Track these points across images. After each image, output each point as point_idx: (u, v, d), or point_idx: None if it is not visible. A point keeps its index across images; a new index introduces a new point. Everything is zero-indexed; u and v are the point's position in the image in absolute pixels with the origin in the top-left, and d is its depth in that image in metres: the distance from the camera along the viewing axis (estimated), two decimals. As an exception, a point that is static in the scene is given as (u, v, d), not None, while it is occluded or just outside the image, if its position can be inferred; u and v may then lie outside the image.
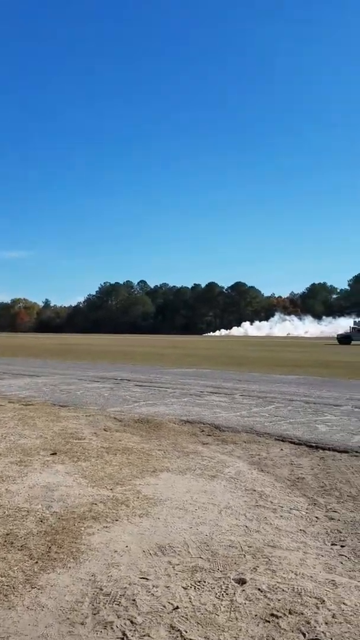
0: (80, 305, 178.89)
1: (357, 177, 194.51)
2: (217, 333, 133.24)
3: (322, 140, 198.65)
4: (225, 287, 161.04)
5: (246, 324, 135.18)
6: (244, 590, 3.06)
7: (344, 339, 57.91)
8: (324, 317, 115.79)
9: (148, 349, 38.81)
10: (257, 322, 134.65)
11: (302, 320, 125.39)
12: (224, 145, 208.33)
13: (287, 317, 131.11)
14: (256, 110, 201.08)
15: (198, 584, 3.12)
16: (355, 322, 67.10)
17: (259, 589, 3.06)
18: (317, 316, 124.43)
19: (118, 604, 2.89)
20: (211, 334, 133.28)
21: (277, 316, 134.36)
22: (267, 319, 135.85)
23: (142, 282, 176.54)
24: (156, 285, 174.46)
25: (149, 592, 3.03)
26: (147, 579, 3.19)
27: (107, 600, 2.93)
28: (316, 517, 4.28)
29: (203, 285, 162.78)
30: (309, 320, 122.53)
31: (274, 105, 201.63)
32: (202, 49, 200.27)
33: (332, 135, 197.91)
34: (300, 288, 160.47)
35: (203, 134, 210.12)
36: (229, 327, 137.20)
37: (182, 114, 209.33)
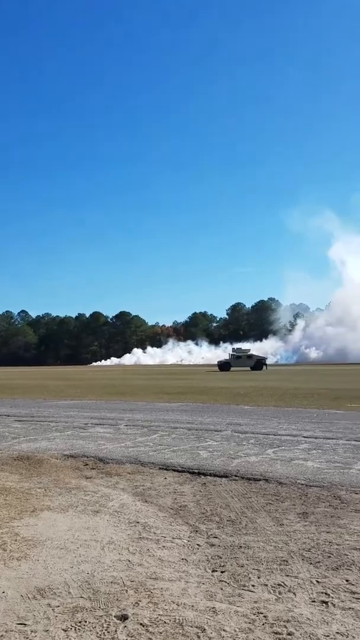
0: None
1: (231, 212, 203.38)
2: (107, 362, 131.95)
3: (205, 175, 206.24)
4: (110, 317, 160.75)
5: (138, 352, 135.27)
6: (125, 626, 3.02)
7: (224, 366, 59.83)
8: (221, 343, 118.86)
9: (30, 381, 37.54)
10: (149, 349, 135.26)
11: (199, 345, 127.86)
12: (109, 171, 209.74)
13: (181, 344, 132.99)
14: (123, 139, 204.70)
15: (79, 624, 3.04)
16: (233, 349, 69.73)
17: (140, 624, 3.04)
18: (199, 344, 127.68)
19: (-7, 657, 2.73)
20: (100, 363, 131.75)
21: (170, 343, 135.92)
22: (157, 346, 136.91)
23: (23, 312, 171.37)
24: (38, 315, 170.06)
25: (27, 637, 2.90)
26: (25, 624, 3.05)
27: (-20, 654, 2.77)
28: (197, 545, 4.34)
29: (87, 315, 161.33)
30: (205, 346, 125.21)
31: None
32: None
33: (215, 168, 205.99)
34: (182, 317, 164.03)
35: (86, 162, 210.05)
36: (120, 356, 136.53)
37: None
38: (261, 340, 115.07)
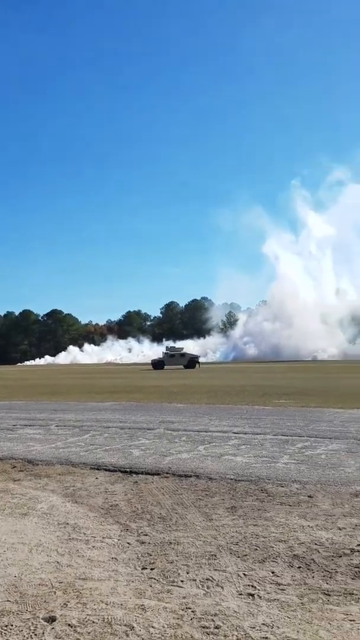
0: None
1: (163, 212, 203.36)
2: (40, 361, 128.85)
3: (139, 173, 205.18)
4: (41, 315, 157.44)
5: (75, 350, 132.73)
6: (53, 628, 2.99)
7: (158, 364, 59.99)
8: (163, 340, 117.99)
9: None
10: (87, 347, 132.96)
11: (140, 342, 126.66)
12: (45, 170, 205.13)
13: (121, 342, 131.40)
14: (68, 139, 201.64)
15: (5, 628, 2.98)
16: (167, 347, 70.03)
17: (69, 625, 3.02)
18: (140, 341, 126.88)
19: None
20: (31, 362, 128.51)
21: (109, 341, 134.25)
22: (96, 344, 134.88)
23: None
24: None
25: None
26: None
27: None
28: (128, 543, 4.34)
29: (17, 313, 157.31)
30: (147, 343, 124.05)
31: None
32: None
33: (149, 167, 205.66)
34: (116, 315, 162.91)
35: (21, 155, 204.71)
36: (54, 355, 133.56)
37: None
38: (204, 337, 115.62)
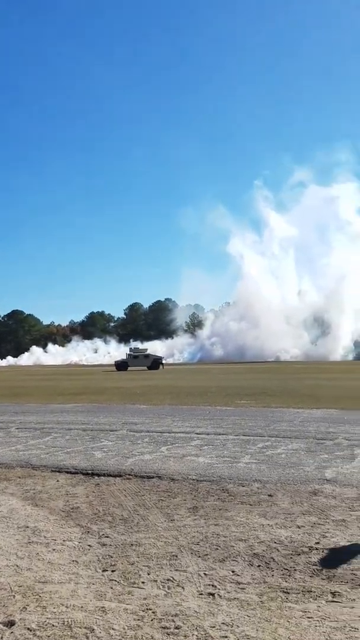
0: None
1: (125, 213, 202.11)
2: (2, 362, 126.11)
3: (104, 175, 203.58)
4: (1, 316, 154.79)
5: (38, 351, 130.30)
6: (12, 632, 2.95)
7: (121, 365, 59.72)
8: (131, 341, 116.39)
9: None
10: (51, 348, 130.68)
11: (107, 343, 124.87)
12: (6, 168, 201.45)
13: (87, 342, 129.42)
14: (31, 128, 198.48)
15: None
16: (130, 348, 69.76)
17: (28, 629, 2.98)
18: (107, 342, 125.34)
19: None
20: None
21: (74, 342, 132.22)
22: (60, 345, 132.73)
23: None
24: None
25: None
26: None
27: None
28: (89, 546, 4.32)
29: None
30: (114, 343, 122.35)
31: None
32: None
33: (113, 169, 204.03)
34: (79, 317, 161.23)
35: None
36: (16, 355, 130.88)
37: None
38: (172, 338, 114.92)
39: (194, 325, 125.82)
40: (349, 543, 4.20)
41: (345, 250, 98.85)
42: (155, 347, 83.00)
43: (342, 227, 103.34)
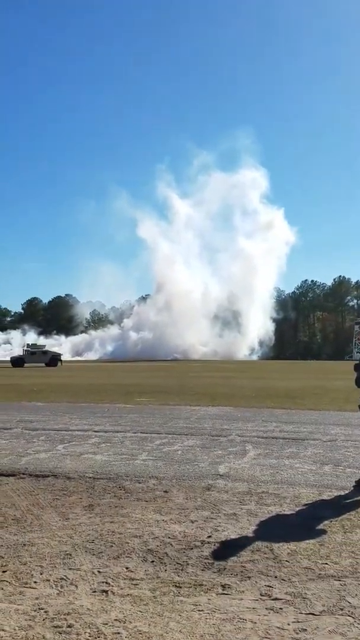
0: None
1: (20, 205, 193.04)
2: None
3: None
4: None
5: None
6: None
7: (18, 361, 57.94)
8: (48, 335, 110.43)
9: None
10: None
11: (25, 334, 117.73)
12: None
13: None
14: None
15: None
16: (28, 344, 67.76)
17: None
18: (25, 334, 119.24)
19: None
20: None
21: None
22: None
23: None
24: None
25: None
26: None
27: None
28: (-21, 547, 4.18)
29: None
30: (33, 335, 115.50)
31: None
32: None
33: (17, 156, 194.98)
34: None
35: None
36: None
37: None
38: (79, 334, 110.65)
39: (94, 322, 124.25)
40: (239, 536, 4.37)
41: (253, 238, 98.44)
42: (46, 345, 79.80)
43: (249, 214, 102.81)
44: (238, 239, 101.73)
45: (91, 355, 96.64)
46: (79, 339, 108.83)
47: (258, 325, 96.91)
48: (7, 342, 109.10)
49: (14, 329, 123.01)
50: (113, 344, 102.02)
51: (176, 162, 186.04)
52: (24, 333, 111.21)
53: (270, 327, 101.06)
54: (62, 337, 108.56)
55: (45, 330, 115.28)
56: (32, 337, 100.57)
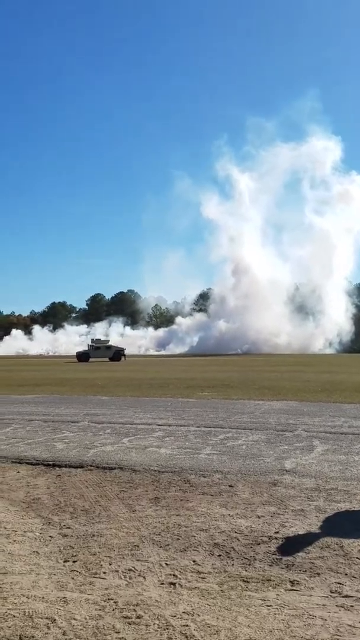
0: None
1: (95, 206, 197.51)
2: None
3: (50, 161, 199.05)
4: None
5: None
6: (-29, 625, 2.92)
7: (83, 356, 59.35)
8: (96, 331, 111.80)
9: None
10: (7, 338, 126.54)
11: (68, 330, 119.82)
12: None
13: (45, 332, 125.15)
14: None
15: None
16: (92, 340, 69.28)
17: (-12, 621, 2.96)
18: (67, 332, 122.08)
19: None
20: None
21: (36, 332, 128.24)
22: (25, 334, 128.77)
23: None
24: None
25: None
26: None
27: None
28: (50, 537, 4.30)
29: None
30: (75, 333, 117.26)
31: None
32: None
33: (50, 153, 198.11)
34: (40, 307, 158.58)
35: None
36: None
37: None
38: (155, 329, 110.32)
39: (156, 317, 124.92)
40: (308, 532, 4.30)
41: (328, 214, 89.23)
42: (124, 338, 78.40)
43: (319, 186, 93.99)
44: (310, 215, 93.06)
45: (177, 349, 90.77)
46: (145, 333, 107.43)
47: (336, 315, 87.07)
48: (84, 334, 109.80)
49: (80, 324, 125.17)
50: (197, 335, 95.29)
51: (236, 135, 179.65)
52: (110, 324, 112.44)
53: (351, 316, 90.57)
54: (150, 330, 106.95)
55: (128, 322, 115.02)
56: (118, 328, 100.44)
